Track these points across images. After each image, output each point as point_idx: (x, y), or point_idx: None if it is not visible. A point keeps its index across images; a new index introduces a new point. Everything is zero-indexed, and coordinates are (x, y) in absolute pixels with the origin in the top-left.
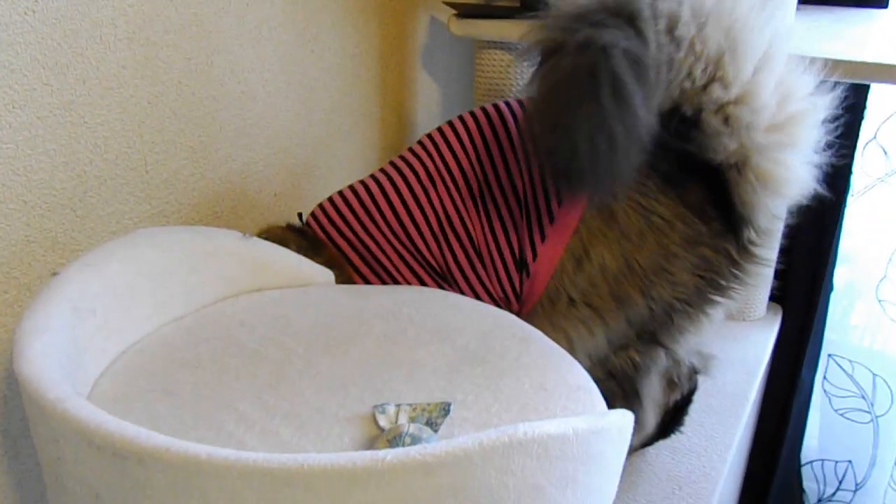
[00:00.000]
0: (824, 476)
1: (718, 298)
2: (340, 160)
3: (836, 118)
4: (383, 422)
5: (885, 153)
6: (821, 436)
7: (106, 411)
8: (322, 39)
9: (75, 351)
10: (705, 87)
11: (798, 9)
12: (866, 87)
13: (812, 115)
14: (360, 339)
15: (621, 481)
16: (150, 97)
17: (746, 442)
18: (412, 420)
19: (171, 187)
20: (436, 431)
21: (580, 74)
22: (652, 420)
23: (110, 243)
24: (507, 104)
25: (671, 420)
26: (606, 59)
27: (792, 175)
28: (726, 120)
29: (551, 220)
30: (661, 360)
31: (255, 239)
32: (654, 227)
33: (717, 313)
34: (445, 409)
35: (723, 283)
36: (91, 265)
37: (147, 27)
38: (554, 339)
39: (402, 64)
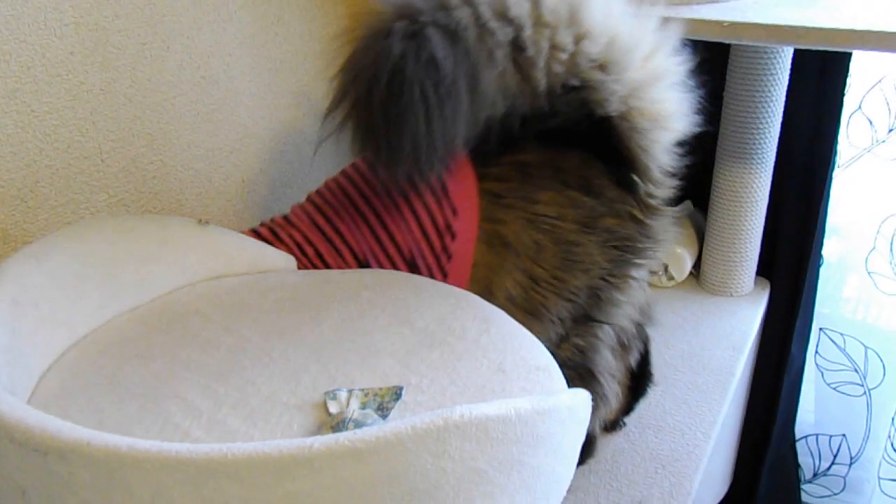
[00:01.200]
0: (819, 451)
1: (638, 261)
2: (310, 143)
3: (817, 88)
4: (334, 408)
5: (871, 123)
6: (816, 410)
7: (50, 406)
8: (287, 21)
9: (14, 344)
10: (576, 49)
11: None
12: (847, 57)
13: (667, 45)
14: (316, 325)
15: (602, 461)
16: (103, 84)
17: (736, 419)
18: (363, 405)
19: (130, 176)
20: (385, 417)
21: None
22: (614, 392)
23: (55, 234)
24: None
25: (639, 379)
26: (411, 39)
27: (675, 107)
28: (606, 68)
29: (448, 258)
30: (606, 334)
31: (213, 226)
32: (546, 231)
33: (643, 275)
34: (397, 394)
35: (637, 245)
36: (32, 256)
37: (95, 12)
38: None
39: None
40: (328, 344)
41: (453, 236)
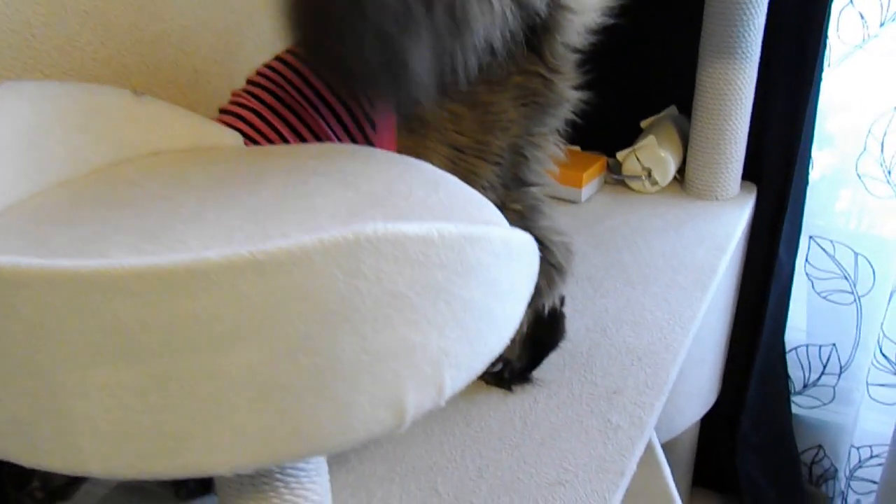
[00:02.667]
0: (809, 362)
1: (552, 112)
2: (269, 36)
3: None
4: None
5: (863, 18)
6: (808, 320)
7: None
8: None
9: None
10: None
11: None
12: None
13: None
14: (256, 191)
15: (577, 355)
16: None
17: (723, 327)
18: None
19: (66, 55)
20: None
21: None
22: (568, 260)
23: None
24: None
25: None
26: None
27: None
28: None
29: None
30: (542, 198)
31: (150, 97)
32: (458, 98)
33: (556, 135)
34: None
35: (548, 96)
36: None
37: None
38: None
39: None
40: (266, 207)
41: (373, 125)
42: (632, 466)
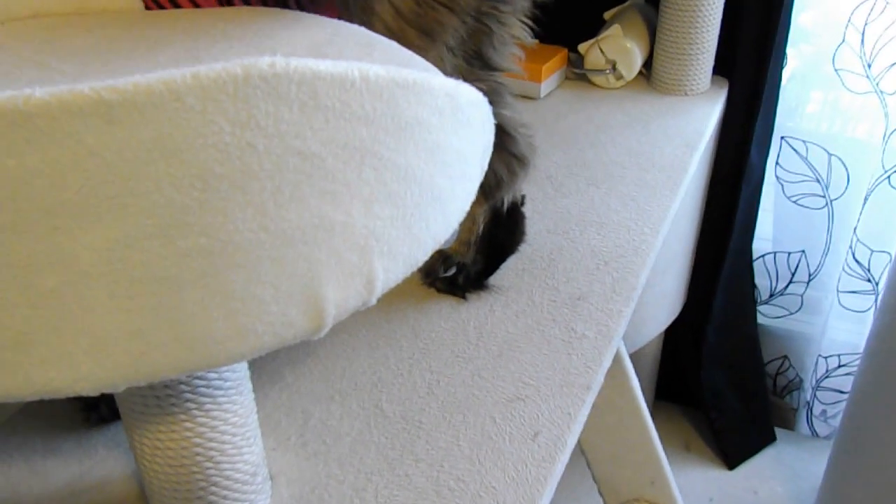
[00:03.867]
0: (777, 269)
1: None
2: None
3: None
4: None
5: None
6: (774, 227)
7: None
8: None
9: None
10: None
11: None
12: None
13: None
14: (150, 56)
15: (537, 259)
16: None
17: (691, 231)
18: None
19: None
20: None
21: None
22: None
23: None
24: None
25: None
26: None
27: None
28: None
29: None
30: (506, 84)
31: None
32: None
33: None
34: None
35: None
36: None
37: None
38: None
39: None
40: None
41: None
42: (598, 379)
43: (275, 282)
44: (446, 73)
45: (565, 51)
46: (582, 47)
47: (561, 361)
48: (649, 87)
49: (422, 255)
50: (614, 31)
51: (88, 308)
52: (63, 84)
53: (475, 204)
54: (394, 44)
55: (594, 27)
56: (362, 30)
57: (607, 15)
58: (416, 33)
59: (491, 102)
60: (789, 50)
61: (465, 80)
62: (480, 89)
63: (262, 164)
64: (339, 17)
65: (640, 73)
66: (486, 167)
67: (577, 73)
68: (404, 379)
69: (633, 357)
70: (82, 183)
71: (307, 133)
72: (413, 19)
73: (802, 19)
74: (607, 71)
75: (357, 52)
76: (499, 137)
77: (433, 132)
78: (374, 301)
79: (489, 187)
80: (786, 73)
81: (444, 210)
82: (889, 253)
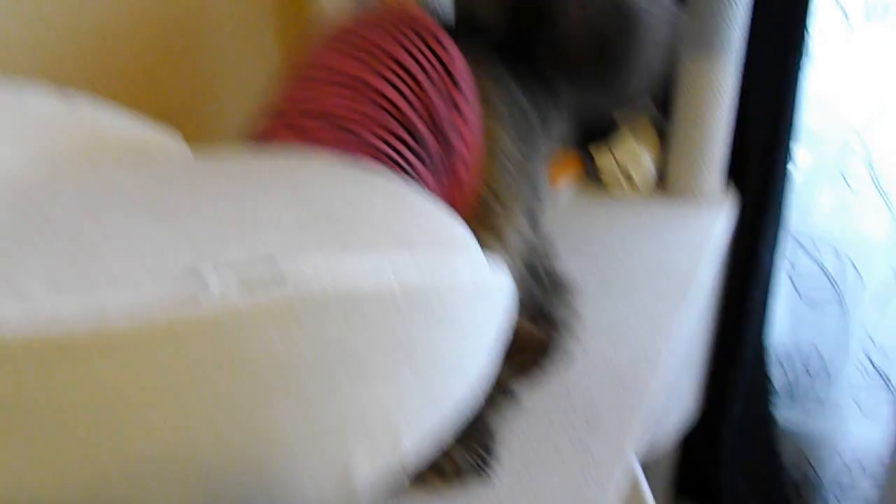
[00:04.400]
0: (793, 368)
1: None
2: (219, 32)
3: None
4: (193, 285)
5: (845, 14)
6: (791, 324)
7: None
8: None
9: None
10: None
11: None
12: None
13: None
14: (195, 202)
15: (551, 371)
16: None
17: (703, 334)
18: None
19: None
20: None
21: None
22: None
23: None
24: None
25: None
26: None
27: None
28: None
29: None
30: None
31: (81, 99)
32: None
33: None
34: (270, 269)
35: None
36: None
37: None
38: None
39: None
40: (203, 220)
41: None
42: (611, 499)
43: (313, 465)
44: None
45: (577, 154)
46: (595, 151)
47: (576, 482)
48: (661, 191)
49: (447, 424)
50: (626, 138)
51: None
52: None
53: None
54: (425, 196)
55: (606, 132)
56: (395, 181)
57: (618, 122)
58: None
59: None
60: (798, 151)
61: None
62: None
63: (306, 366)
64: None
65: (653, 176)
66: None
67: (590, 178)
68: None
69: (650, 459)
70: (143, 393)
71: (349, 338)
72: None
73: (812, 122)
74: (621, 178)
75: (387, 204)
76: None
77: (461, 321)
78: (404, 476)
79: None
80: (798, 172)
81: (467, 381)
82: None
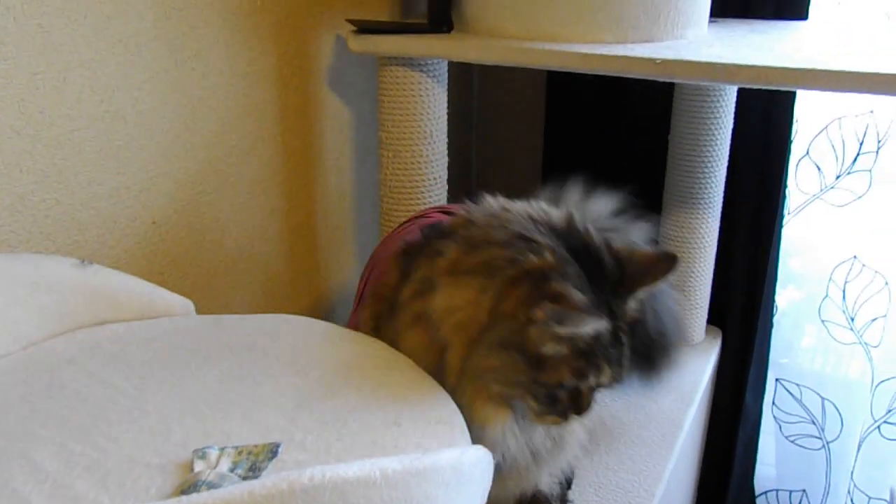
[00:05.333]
0: None
1: None
2: (234, 185)
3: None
4: (200, 467)
5: (819, 169)
6: (777, 464)
7: None
8: (204, 57)
9: None
10: None
11: (718, 21)
12: (791, 101)
13: None
14: (202, 375)
15: None
16: None
17: (690, 476)
18: (235, 465)
19: (17, 214)
20: (257, 477)
21: None
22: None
23: None
24: None
25: None
26: None
27: None
28: None
29: None
30: None
31: (98, 266)
32: None
33: None
34: (273, 452)
35: None
36: None
37: None
38: None
39: (306, 84)
40: (210, 396)
41: None
42: None
43: None
44: None
45: None
46: None
47: None
48: None
49: None
50: None
51: None
52: (123, 402)
53: None
54: (411, 365)
55: None
56: (386, 349)
57: None
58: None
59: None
60: (780, 293)
61: None
62: None
63: None
64: None
65: None
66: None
67: None
68: None
69: None
70: None
71: None
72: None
73: (792, 264)
74: None
75: (376, 378)
76: None
77: (440, 500)
78: None
79: None
80: (780, 312)
81: None
82: (885, 500)
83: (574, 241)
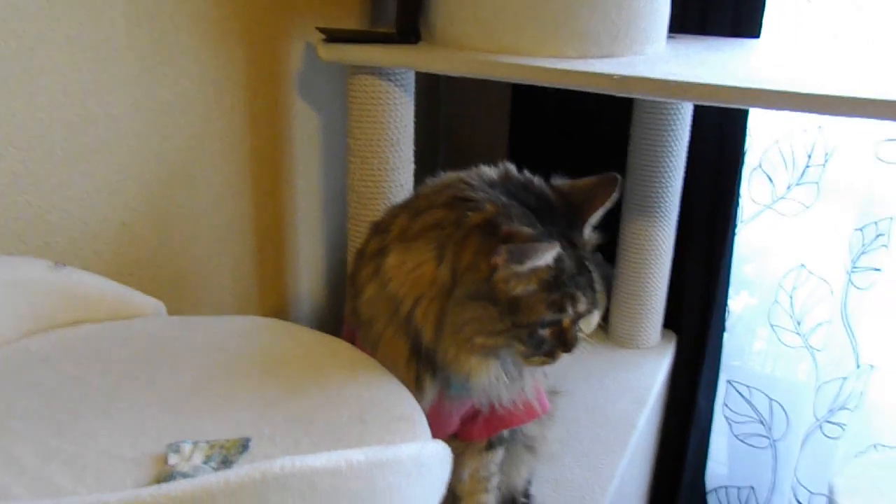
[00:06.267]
0: (728, 502)
1: None
2: (203, 188)
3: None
4: (174, 460)
5: (771, 180)
6: (728, 462)
7: None
8: (176, 63)
9: None
10: None
11: (676, 37)
12: (746, 117)
13: None
14: (174, 374)
15: None
16: None
17: (643, 474)
18: (207, 458)
19: None
20: (229, 469)
21: None
22: None
23: None
24: None
25: None
26: None
27: None
28: None
29: None
30: None
31: (71, 269)
32: None
33: None
34: (244, 446)
35: None
36: None
37: None
38: None
39: (275, 90)
40: (183, 394)
41: None
42: None
43: None
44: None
45: None
46: None
47: None
48: (606, 338)
49: None
50: None
51: None
52: (98, 399)
53: None
54: (376, 366)
55: None
56: (352, 350)
57: None
58: None
59: None
60: (735, 298)
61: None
62: None
63: None
64: None
65: (599, 325)
66: (443, 493)
67: None
68: None
69: None
70: None
71: None
72: None
73: (746, 271)
74: None
75: (342, 377)
76: None
77: (402, 490)
78: None
79: None
80: (732, 315)
81: None
82: (824, 495)
83: (514, 188)
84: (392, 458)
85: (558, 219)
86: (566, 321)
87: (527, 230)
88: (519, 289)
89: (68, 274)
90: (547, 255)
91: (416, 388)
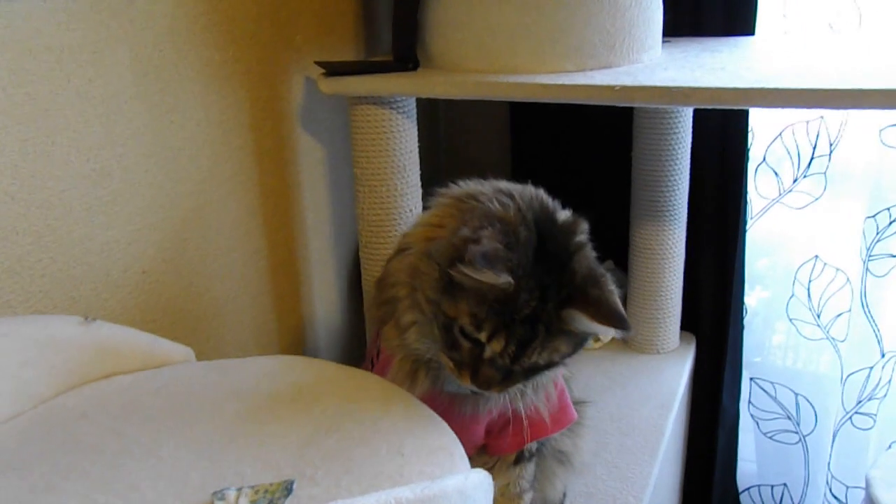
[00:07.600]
0: (762, 501)
1: None
2: (217, 230)
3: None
4: None
5: (777, 174)
6: (757, 460)
7: None
8: (182, 109)
9: None
10: None
11: (671, 40)
12: (747, 113)
13: None
14: (210, 420)
15: None
16: None
17: (675, 479)
18: (253, 503)
19: (16, 276)
20: None
21: None
22: None
23: None
24: None
25: None
26: None
27: None
28: None
29: None
30: None
31: (100, 322)
32: None
33: None
34: (287, 489)
35: None
36: None
37: None
38: None
39: (278, 128)
40: (220, 439)
41: None
42: None
43: None
44: None
45: None
46: None
47: None
48: (625, 346)
49: None
50: None
51: None
52: (138, 451)
53: None
54: (408, 397)
55: None
56: (381, 382)
57: None
58: None
59: None
60: (749, 294)
61: None
62: None
63: None
64: None
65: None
66: None
67: None
68: None
69: None
70: None
71: None
72: None
73: (759, 266)
74: None
75: (376, 410)
76: None
77: None
78: None
79: None
80: (749, 311)
81: None
82: (861, 488)
83: (549, 243)
84: (438, 493)
85: (553, 286)
86: (488, 354)
87: (494, 249)
88: (457, 274)
89: (98, 327)
90: (487, 277)
91: (412, 381)
